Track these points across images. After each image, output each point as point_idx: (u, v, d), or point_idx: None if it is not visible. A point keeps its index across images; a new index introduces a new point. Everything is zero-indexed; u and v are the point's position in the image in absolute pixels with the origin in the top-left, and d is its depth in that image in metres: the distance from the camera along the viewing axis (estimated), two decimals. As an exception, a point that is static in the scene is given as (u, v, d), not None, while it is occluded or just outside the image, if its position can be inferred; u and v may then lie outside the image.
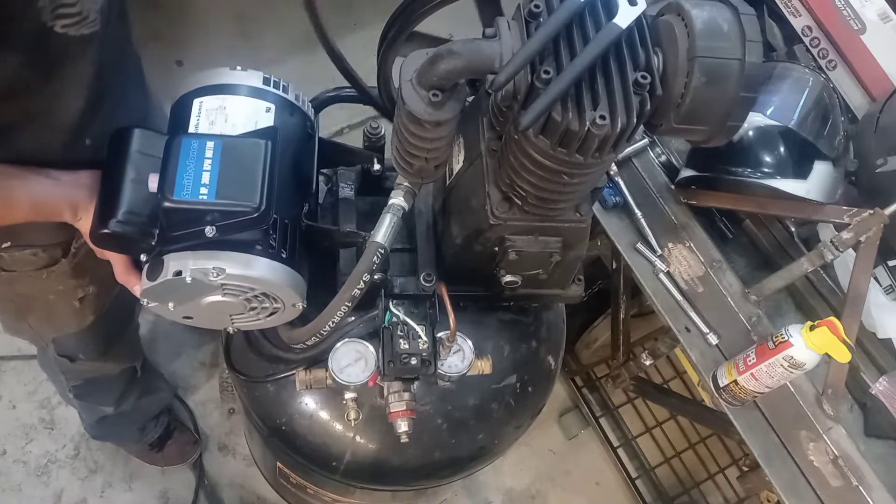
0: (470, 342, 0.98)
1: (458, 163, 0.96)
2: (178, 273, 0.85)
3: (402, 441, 0.98)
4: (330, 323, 0.92)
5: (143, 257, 0.89)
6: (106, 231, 0.87)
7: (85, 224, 0.92)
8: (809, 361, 1.04)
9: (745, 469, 1.57)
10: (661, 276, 1.26)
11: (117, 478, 1.95)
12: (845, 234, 1.13)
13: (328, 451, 1.15)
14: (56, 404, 2.01)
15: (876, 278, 1.25)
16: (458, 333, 0.96)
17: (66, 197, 0.93)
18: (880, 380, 1.19)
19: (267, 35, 2.52)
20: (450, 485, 1.34)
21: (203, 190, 0.83)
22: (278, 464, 1.38)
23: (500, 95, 0.74)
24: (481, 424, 1.16)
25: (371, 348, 0.96)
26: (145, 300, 0.91)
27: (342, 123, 2.45)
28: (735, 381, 1.12)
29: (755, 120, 1.19)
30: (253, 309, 0.96)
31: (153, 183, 0.84)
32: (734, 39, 0.72)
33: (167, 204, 0.82)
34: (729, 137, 0.77)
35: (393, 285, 1.02)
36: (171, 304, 0.92)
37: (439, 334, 0.96)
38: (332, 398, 1.12)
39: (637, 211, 1.29)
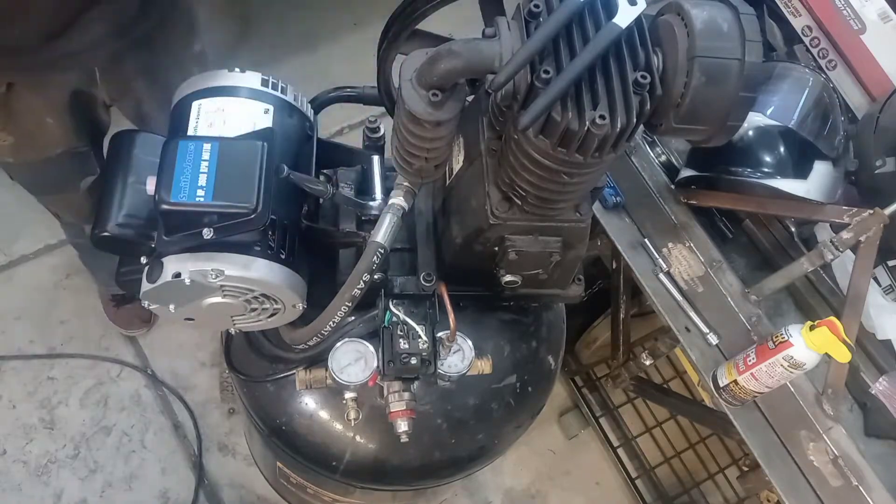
0: (470, 342, 0.98)
1: (457, 162, 0.96)
2: (177, 275, 0.85)
3: (401, 441, 0.98)
4: (331, 323, 0.92)
5: (143, 259, 0.90)
6: (105, 234, 0.87)
7: None
8: (809, 361, 1.04)
9: (745, 469, 1.57)
10: (661, 276, 1.26)
11: (117, 478, 1.95)
12: (845, 234, 1.13)
13: (328, 451, 1.15)
14: (56, 404, 2.01)
15: (875, 279, 1.25)
16: (457, 333, 0.96)
17: None
18: (880, 380, 1.19)
19: (267, 35, 2.52)
20: (450, 485, 1.34)
21: (200, 192, 0.83)
22: (278, 464, 1.38)
23: (499, 95, 0.74)
24: (481, 424, 1.16)
25: (371, 348, 0.96)
26: (146, 302, 0.91)
27: (342, 123, 2.46)
28: (735, 381, 1.12)
29: (755, 120, 1.19)
30: (254, 310, 0.96)
31: (151, 186, 0.84)
32: (734, 39, 0.72)
33: (164, 206, 0.82)
34: (729, 137, 0.77)
35: (393, 285, 1.02)
36: (171, 306, 0.92)
37: (439, 334, 0.96)
38: (332, 398, 1.12)
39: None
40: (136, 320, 2.11)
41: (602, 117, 0.69)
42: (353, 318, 1.03)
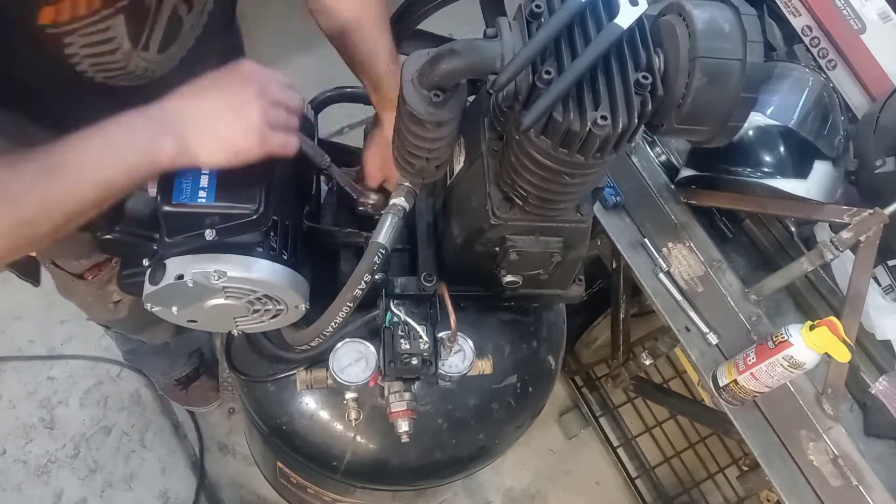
0: (471, 342, 0.98)
1: (458, 163, 0.96)
2: (180, 277, 0.85)
3: (402, 441, 0.98)
4: (333, 323, 0.92)
5: (145, 262, 0.90)
6: (108, 237, 0.87)
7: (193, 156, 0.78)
8: (809, 361, 1.04)
9: (745, 469, 1.57)
10: (661, 275, 1.26)
11: (117, 478, 1.95)
12: (845, 234, 1.13)
13: (329, 451, 1.15)
14: (56, 404, 2.01)
15: (875, 278, 1.25)
16: (458, 333, 0.96)
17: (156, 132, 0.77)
18: (880, 379, 1.19)
19: (267, 35, 2.52)
20: (450, 485, 1.34)
21: (202, 193, 0.83)
22: (279, 463, 1.38)
23: (501, 96, 0.74)
24: (482, 424, 1.16)
25: (372, 348, 0.96)
26: (149, 304, 0.91)
27: (342, 123, 2.45)
28: (735, 381, 1.12)
29: (755, 120, 1.19)
30: (256, 311, 0.96)
31: (152, 188, 0.84)
32: (735, 40, 0.72)
33: (166, 208, 0.83)
34: (730, 138, 0.77)
35: (394, 285, 1.02)
36: (174, 308, 0.92)
37: (440, 334, 0.96)
38: (333, 398, 1.12)
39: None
40: (209, 393, 2.02)
41: (604, 118, 0.69)
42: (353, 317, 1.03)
